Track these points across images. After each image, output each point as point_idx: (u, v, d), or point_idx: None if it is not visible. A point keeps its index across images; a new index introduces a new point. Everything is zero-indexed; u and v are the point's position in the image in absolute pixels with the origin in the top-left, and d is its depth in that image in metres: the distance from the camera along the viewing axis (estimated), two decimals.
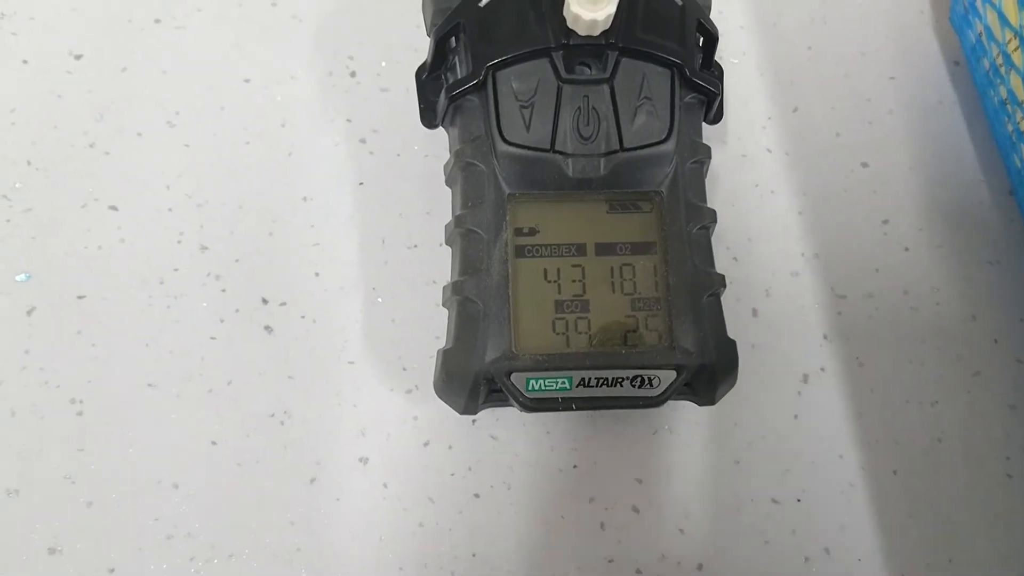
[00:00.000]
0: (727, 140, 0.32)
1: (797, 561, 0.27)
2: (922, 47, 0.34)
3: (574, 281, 0.25)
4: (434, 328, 0.29)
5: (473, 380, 0.24)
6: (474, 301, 0.24)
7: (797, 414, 0.29)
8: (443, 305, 0.26)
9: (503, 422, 0.28)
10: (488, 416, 0.28)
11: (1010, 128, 0.29)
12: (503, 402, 0.25)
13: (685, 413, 0.29)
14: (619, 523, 0.27)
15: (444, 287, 0.25)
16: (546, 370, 0.24)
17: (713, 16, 0.34)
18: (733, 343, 0.25)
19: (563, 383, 0.24)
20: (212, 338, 0.28)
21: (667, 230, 0.25)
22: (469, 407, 0.25)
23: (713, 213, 0.26)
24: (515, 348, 0.24)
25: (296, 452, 0.27)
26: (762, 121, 0.33)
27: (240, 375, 0.28)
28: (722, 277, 0.25)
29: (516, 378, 0.24)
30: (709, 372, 0.24)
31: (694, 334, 0.24)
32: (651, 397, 0.24)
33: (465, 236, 0.25)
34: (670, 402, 0.28)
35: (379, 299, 0.29)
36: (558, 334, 0.24)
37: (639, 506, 0.27)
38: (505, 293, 0.24)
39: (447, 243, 0.26)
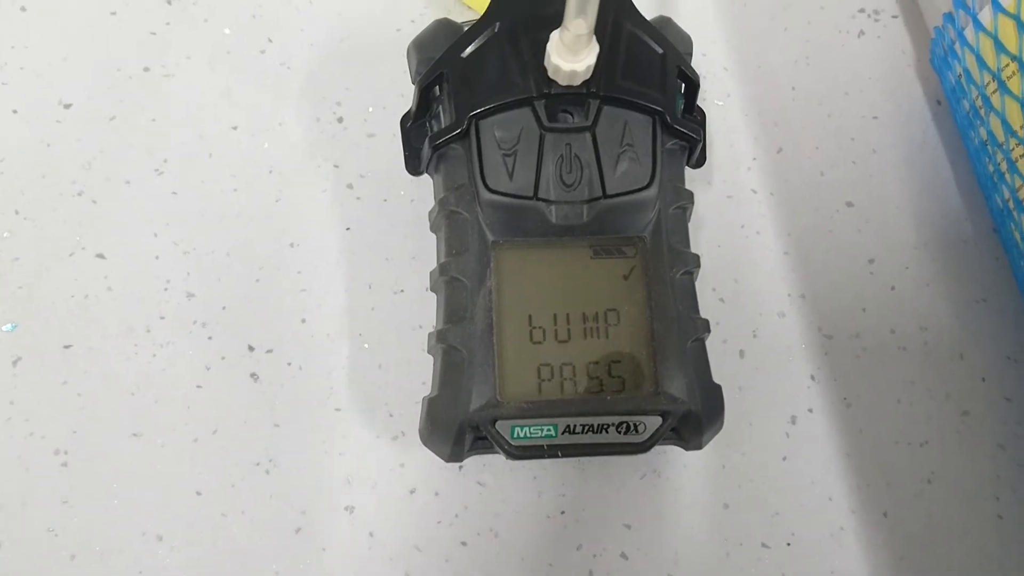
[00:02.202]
0: (712, 181, 0.32)
1: None
2: (905, 87, 0.35)
3: (558, 327, 0.25)
4: (421, 374, 0.29)
5: (458, 428, 0.24)
6: (458, 349, 0.24)
7: (786, 456, 0.29)
8: (428, 352, 0.26)
9: (490, 468, 0.28)
10: (475, 462, 0.28)
11: (991, 168, 0.29)
12: (489, 449, 0.25)
13: (673, 456, 0.28)
14: (608, 570, 0.27)
15: (429, 334, 0.25)
16: (531, 417, 0.24)
17: (697, 59, 0.34)
18: (718, 388, 0.25)
19: (548, 430, 0.24)
20: (198, 387, 0.28)
21: (651, 275, 0.25)
22: (455, 455, 0.24)
23: (696, 258, 0.26)
24: (500, 396, 0.24)
25: (282, 501, 0.27)
26: (747, 162, 0.33)
27: (226, 424, 0.28)
28: (706, 322, 0.25)
29: (501, 426, 0.24)
30: (695, 417, 0.24)
31: (679, 379, 0.24)
32: (637, 443, 0.24)
33: (449, 284, 0.25)
34: (658, 446, 0.28)
35: (365, 345, 0.29)
36: (543, 381, 0.24)
37: (628, 552, 0.27)
38: (489, 341, 0.24)
39: (432, 290, 0.26)
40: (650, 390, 0.24)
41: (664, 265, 0.25)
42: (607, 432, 0.24)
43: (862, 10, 0.36)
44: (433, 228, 0.27)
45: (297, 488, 0.27)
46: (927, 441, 0.29)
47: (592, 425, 0.24)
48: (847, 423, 0.29)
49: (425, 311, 0.29)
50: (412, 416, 0.28)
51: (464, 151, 0.26)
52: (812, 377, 0.30)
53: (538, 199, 0.25)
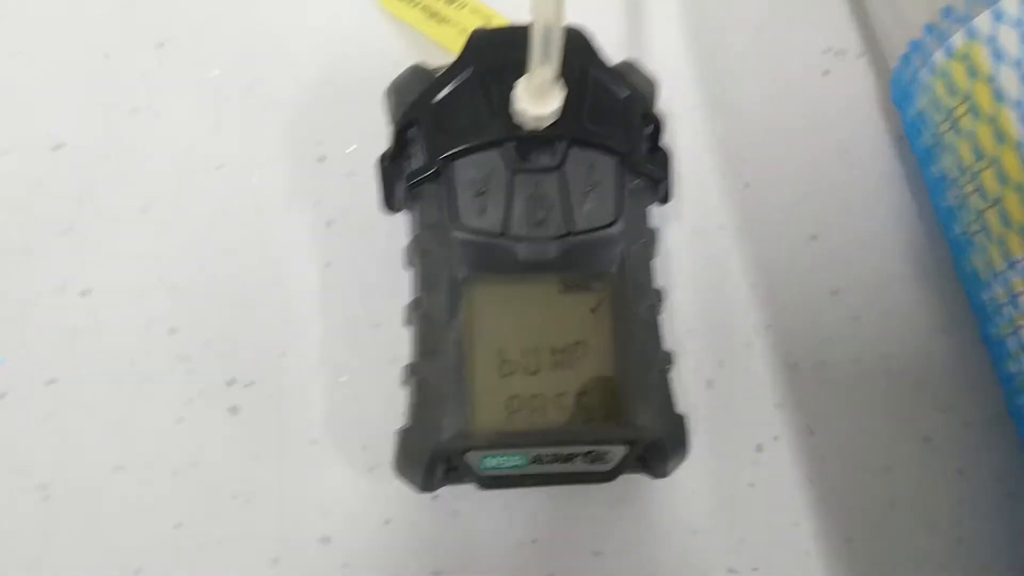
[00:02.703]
0: (682, 216, 0.33)
1: None
2: (870, 123, 0.36)
3: (527, 360, 0.26)
4: (396, 407, 0.29)
5: (429, 459, 0.25)
6: (430, 382, 0.25)
7: (753, 482, 0.30)
8: (403, 385, 0.27)
9: (464, 497, 0.29)
10: (449, 491, 0.28)
11: (946, 203, 0.30)
12: (460, 480, 0.25)
13: (642, 483, 0.29)
14: None
15: (403, 367, 0.26)
16: (501, 448, 0.24)
17: (667, 97, 0.35)
18: (683, 417, 0.26)
19: (518, 460, 0.25)
20: (179, 420, 0.29)
21: (617, 310, 0.26)
22: (427, 485, 0.25)
23: (659, 293, 0.27)
24: (470, 427, 0.25)
25: (259, 533, 0.28)
26: (715, 198, 0.34)
27: (205, 456, 0.28)
28: (669, 354, 0.26)
29: (471, 456, 0.25)
30: (659, 446, 0.25)
31: (644, 410, 0.25)
32: (603, 472, 0.25)
33: (422, 319, 0.26)
34: (624, 475, 0.29)
35: (342, 378, 0.30)
36: (512, 412, 0.25)
37: None
38: (460, 374, 0.25)
39: (406, 324, 0.27)
40: (616, 420, 0.25)
41: (629, 300, 0.26)
42: (575, 461, 0.25)
43: (828, 49, 0.37)
44: (407, 264, 0.28)
45: (274, 519, 0.28)
46: (889, 467, 0.30)
47: (560, 455, 0.25)
48: (811, 450, 0.30)
49: (401, 345, 0.30)
50: (387, 448, 0.29)
51: (437, 191, 0.27)
52: (777, 406, 0.31)
53: (507, 236, 0.26)
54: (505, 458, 0.25)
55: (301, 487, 0.28)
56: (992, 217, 0.27)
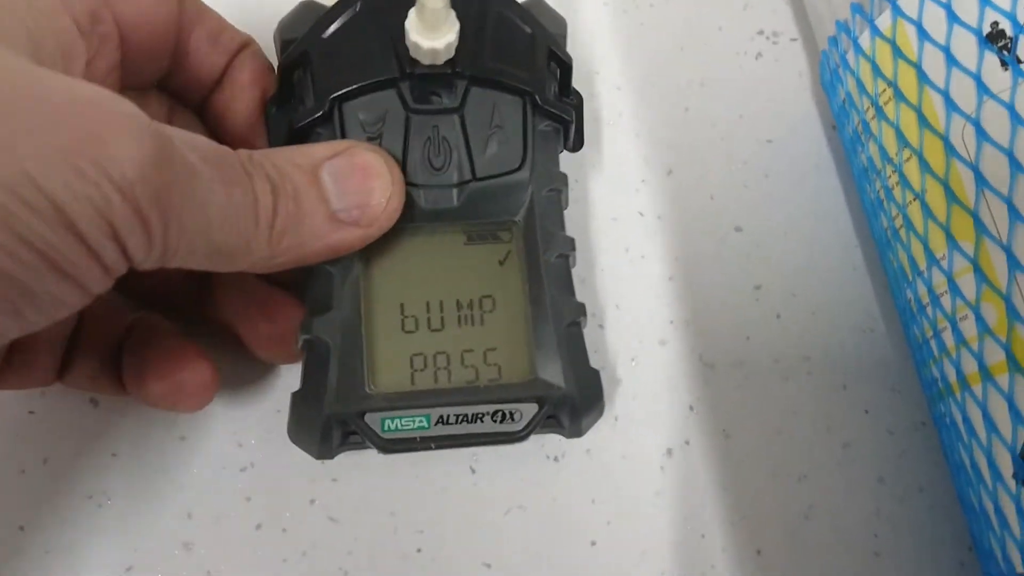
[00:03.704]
0: (597, 202, 0.31)
1: None
2: (800, 110, 0.34)
3: (431, 316, 0.24)
4: (275, 400, 0.27)
5: (324, 422, 0.23)
6: (324, 340, 0.23)
7: (659, 491, 0.28)
8: (297, 346, 0.24)
9: (345, 502, 0.26)
10: (328, 496, 0.26)
11: (872, 195, 0.28)
12: (361, 445, 0.23)
13: (541, 490, 0.27)
14: None
15: (298, 326, 0.24)
16: (402, 409, 0.23)
17: (589, 76, 0.33)
18: (596, 373, 0.24)
19: (421, 422, 0.23)
20: (30, 412, 0.26)
21: (525, 260, 0.24)
22: (324, 451, 0.23)
23: (571, 241, 0.25)
24: (369, 387, 0.23)
25: (113, 537, 0.25)
26: (635, 184, 0.32)
27: (58, 452, 0.26)
28: (582, 306, 0.25)
29: (370, 418, 0.23)
30: (572, 403, 0.24)
31: (555, 365, 0.24)
32: (514, 432, 0.23)
33: (314, 273, 0.24)
34: (525, 478, 0.27)
35: None
36: (416, 371, 0.23)
37: None
38: (357, 330, 0.23)
39: (299, 283, 0.25)
40: (525, 377, 0.23)
41: (538, 249, 0.24)
42: (482, 421, 0.23)
43: (761, 32, 0.35)
44: None
45: (132, 523, 0.25)
46: (806, 475, 0.28)
47: (466, 415, 0.23)
48: (725, 455, 0.28)
49: None
50: (262, 446, 0.26)
51: (328, 136, 0.24)
52: (691, 408, 0.29)
53: (407, 184, 0.24)
54: (407, 420, 0.23)
55: (165, 487, 0.26)
56: (915, 212, 0.25)
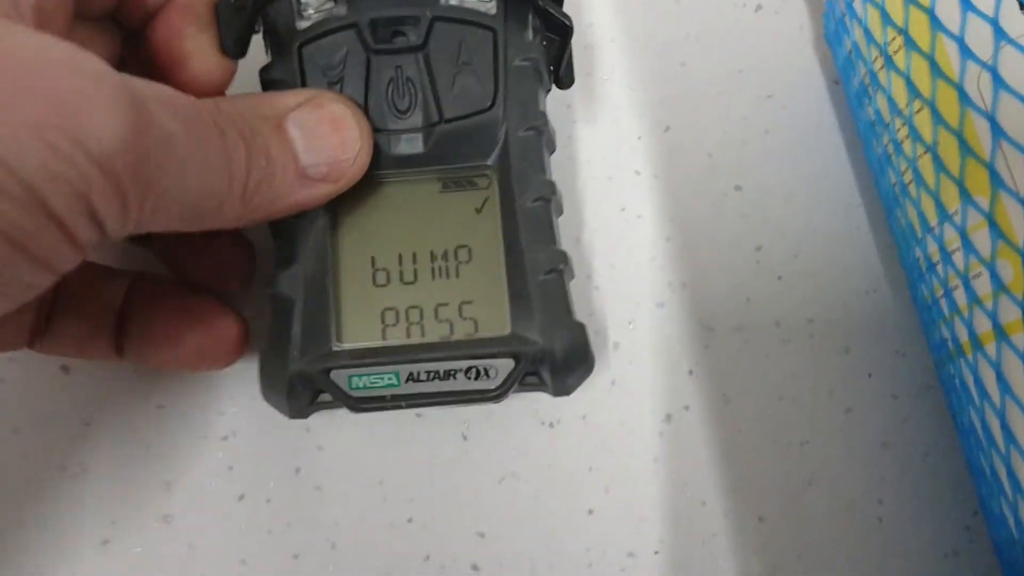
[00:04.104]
0: (593, 161, 0.30)
1: None
2: (801, 65, 0.33)
3: (404, 268, 0.23)
4: (256, 366, 0.26)
5: (289, 381, 0.21)
6: (290, 295, 0.22)
7: (657, 457, 0.27)
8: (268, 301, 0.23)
9: (331, 471, 0.25)
10: (314, 464, 0.25)
11: (879, 150, 0.27)
12: (333, 404, 0.22)
13: (535, 457, 0.26)
14: None
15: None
16: (370, 365, 0.22)
17: (583, 29, 0.32)
18: (582, 326, 0.23)
19: (390, 379, 0.22)
20: (0, 380, 0.25)
21: (502, 207, 0.23)
22: (295, 410, 0.22)
23: (552, 185, 0.24)
24: (336, 343, 0.22)
25: (88, 510, 0.24)
26: (631, 141, 0.31)
27: (30, 422, 0.25)
28: (562, 253, 0.23)
29: (337, 376, 0.22)
30: (553, 358, 0.22)
31: (534, 318, 0.22)
32: (489, 390, 0.22)
33: (280, 226, 0.23)
34: (519, 445, 0.26)
35: None
36: (387, 326, 0.22)
37: (480, 563, 0.25)
38: (323, 285, 0.22)
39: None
40: (502, 331, 0.22)
41: (514, 194, 0.23)
42: (455, 378, 0.22)
43: None
44: None
45: (108, 495, 0.24)
46: (808, 440, 0.27)
47: (438, 371, 0.22)
48: (725, 421, 0.27)
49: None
50: (244, 414, 0.25)
51: (290, 83, 0.23)
52: (690, 372, 0.28)
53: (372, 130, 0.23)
54: (375, 377, 0.22)
55: (144, 458, 0.25)
56: (926, 165, 0.24)
